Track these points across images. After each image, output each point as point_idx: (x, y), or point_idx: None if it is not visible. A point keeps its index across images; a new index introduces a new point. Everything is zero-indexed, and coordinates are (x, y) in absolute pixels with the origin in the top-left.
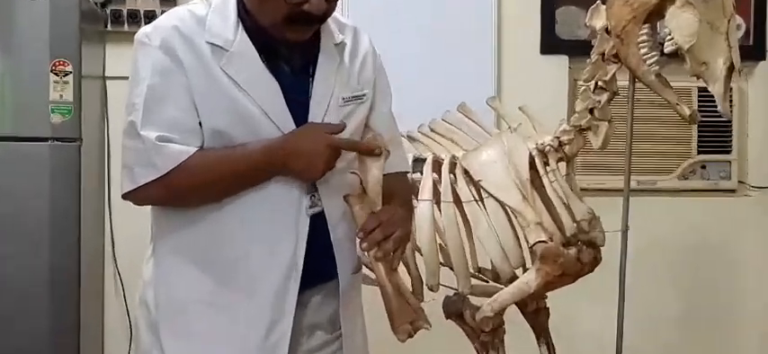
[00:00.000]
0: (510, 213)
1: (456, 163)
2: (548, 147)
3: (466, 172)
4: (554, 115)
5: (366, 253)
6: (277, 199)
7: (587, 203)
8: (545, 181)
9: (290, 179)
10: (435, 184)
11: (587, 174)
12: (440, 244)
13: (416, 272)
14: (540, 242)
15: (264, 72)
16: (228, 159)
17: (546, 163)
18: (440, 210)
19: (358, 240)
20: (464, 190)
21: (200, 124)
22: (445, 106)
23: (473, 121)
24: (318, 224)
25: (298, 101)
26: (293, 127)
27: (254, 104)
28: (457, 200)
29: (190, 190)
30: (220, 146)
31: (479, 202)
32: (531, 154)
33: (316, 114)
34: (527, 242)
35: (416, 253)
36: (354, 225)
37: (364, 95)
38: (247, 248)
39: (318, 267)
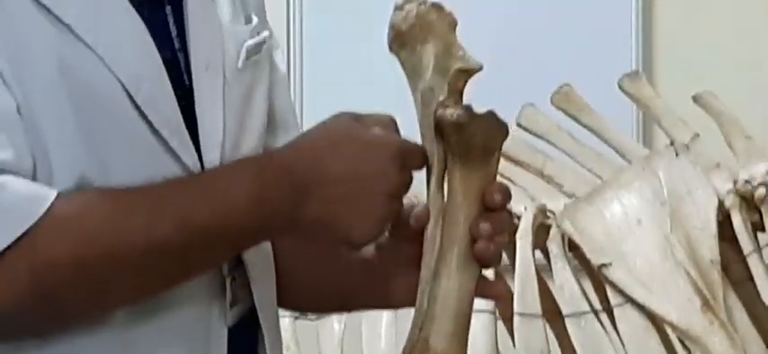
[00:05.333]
0: (672, 339)
1: (548, 225)
2: (763, 190)
3: (572, 244)
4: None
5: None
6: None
7: None
8: (755, 264)
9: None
10: (500, 274)
11: None
12: None
13: None
14: None
15: None
16: (173, 216)
17: (759, 227)
18: (511, 333)
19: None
20: (569, 287)
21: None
22: (537, 94)
23: (587, 127)
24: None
25: (164, 63)
26: (179, 120)
27: (98, 64)
28: (553, 312)
29: (79, 285)
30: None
31: (603, 315)
32: (721, 203)
33: (204, 90)
34: None
35: None
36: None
37: (264, 43)
38: None
39: None
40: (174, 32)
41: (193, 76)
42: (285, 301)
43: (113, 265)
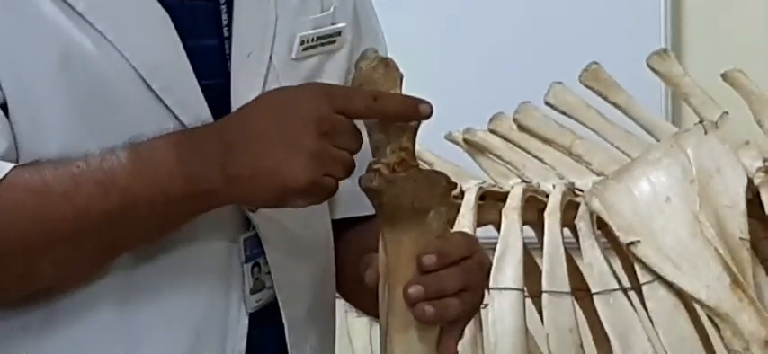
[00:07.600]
0: (702, 316)
1: (576, 203)
2: None
3: (601, 221)
4: None
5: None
6: (186, 283)
7: None
8: None
9: (216, 218)
10: (528, 252)
11: None
12: None
13: None
14: None
15: None
16: (94, 182)
17: None
18: (540, 311)
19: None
20: (598, 265)
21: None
22: (566, 72)
23: (616, 105)
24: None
25: (201, 51)
26: (203, 106)
27: (111, 51)
28: (581, 290)
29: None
30: (53, 157)
31: (632, 292)
32: (751, 181)
33: (243, 78)
34: None
35: None
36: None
37: (338, 34)
38: None
39: None
40: (225, 21)
41: (232, 64)
42: (342, 294)
43: (38, 233)
